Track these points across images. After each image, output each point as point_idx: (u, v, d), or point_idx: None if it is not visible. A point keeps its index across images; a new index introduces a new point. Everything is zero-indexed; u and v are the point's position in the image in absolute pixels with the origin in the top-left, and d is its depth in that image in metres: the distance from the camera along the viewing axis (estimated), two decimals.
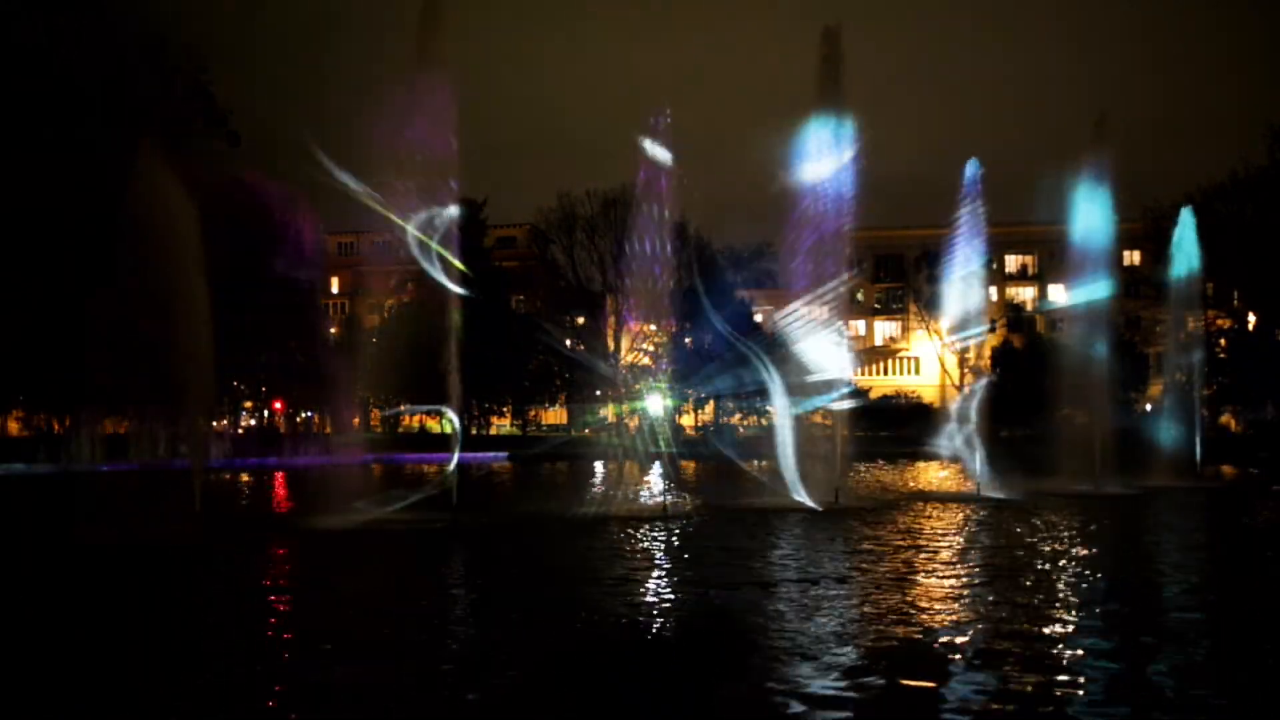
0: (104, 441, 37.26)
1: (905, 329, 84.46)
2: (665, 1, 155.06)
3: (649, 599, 11.05)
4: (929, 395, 75.25)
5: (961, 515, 20.01)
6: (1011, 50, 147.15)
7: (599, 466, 34.04)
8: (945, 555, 14.34)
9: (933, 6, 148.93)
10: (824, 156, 22.88)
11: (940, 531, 17.29)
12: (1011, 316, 76.12)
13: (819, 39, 23.75)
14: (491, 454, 48.29)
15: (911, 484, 29.30)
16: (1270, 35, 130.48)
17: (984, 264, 28.75)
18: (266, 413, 65.65)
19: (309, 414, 59.60)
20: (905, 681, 7.50)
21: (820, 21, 34.05)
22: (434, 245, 19.30)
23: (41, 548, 16.25)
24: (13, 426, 54.25)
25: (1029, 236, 73.32)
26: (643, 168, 22.40)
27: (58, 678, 7.86)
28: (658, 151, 22.03)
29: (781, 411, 22.49)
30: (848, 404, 23.84)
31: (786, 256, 23.79)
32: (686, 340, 57.36)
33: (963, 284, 28.69)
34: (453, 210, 19.87)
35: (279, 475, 35.83)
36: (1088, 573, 12.88)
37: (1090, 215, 28.44)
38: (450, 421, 22.84)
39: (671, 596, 11.34)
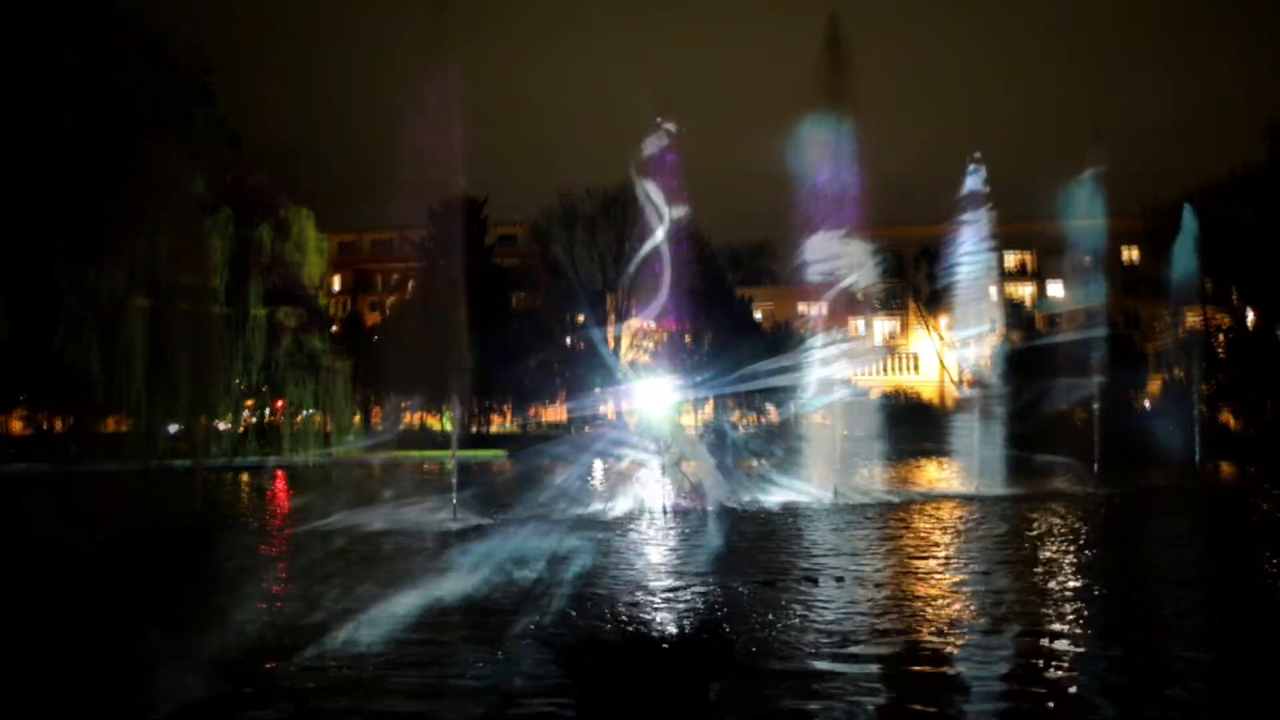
0: (102, 441, 37.19)
1: (905, 327, 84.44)
2: (667, 2, 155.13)
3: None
4: (928, 393, 75.22)
5: (959, 513, 20.04)
6: (1012, 49, 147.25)
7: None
8: (941, 553, 14.39)
9: (933, 6, 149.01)
10: (825, 153, 22.93)
11: (937, 529, 17.35)
12: (1010, 314, 76.05)
13: (823, 32, 23.86)
14: (489, 453, 48.22)
15: (910, 482, 29.30)
16: (1270, 35, 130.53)
17: (984, 262, 28.79)
18: (267, 411, 65.51)
19: (309, 412, 59.46)
20: (902, 679, 7.56)
21: (822, 21, 34.13)
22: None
23: (43, 549, 16.27)
24: (15, 426, 54.34)
25: (1027, 234, 73.24)
26: (642, 167, 22.48)
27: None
28: (657, 151, 22.11)
29: None
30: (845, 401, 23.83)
31: (787, 255, 23.85)
32: (686, 339, 57.40)
33: (963, 282, 28.78)
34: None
35: (279, 474, 35.86)
36: (1084, 572, 12.94)
37: (1089, 213, 28.49)
38: (450, 419, 22.89)
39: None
